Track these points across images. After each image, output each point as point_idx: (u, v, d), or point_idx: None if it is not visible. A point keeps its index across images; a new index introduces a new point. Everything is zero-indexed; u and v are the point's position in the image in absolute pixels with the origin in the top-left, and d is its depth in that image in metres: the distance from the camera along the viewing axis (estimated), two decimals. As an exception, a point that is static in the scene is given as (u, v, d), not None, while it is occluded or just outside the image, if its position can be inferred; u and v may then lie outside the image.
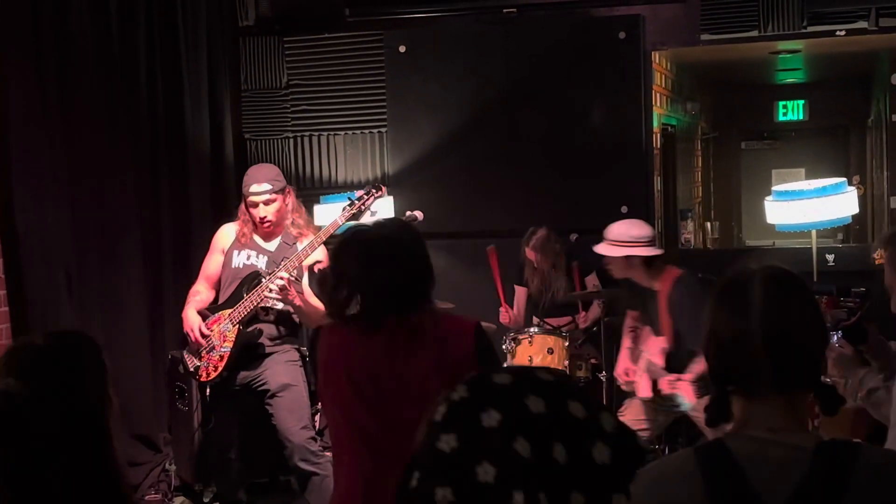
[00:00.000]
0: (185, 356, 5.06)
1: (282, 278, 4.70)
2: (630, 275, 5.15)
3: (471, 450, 1.10)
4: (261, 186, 4.98)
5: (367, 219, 4.98)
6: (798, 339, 1.73)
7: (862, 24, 6.75)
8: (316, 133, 7.56)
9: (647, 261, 5.04)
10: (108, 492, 1.87)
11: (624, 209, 6.90)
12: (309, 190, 7.45)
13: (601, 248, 5.15)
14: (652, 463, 1.78)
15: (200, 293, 5.14)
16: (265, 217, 4.98)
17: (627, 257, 5.05)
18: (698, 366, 4.89)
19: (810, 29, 6.84)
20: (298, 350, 5.11)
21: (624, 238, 5.06)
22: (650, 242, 5.07)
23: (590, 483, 1.11)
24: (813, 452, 1.67)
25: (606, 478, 1.12)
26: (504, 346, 5.92)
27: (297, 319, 5.05)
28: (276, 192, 5.01)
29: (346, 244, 2.86)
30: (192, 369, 5.01)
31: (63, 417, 1.84)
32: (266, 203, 4.98)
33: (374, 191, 5.02)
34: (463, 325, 2.92)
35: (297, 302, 4.76)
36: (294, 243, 5.04)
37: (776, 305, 1.72)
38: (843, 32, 6.82)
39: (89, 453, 1.86)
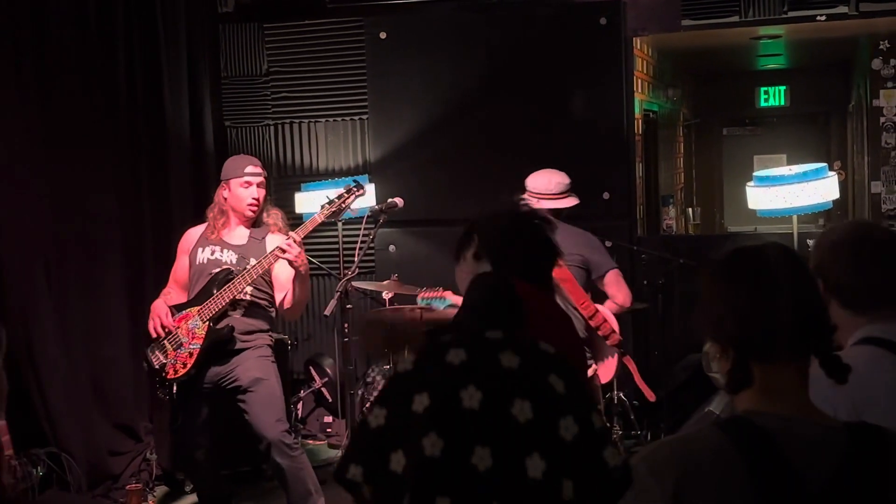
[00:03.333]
0: (150, 354, 4.99)
1: (291, 237, 4.66)
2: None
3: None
4: (256, 168, 5.00)
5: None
6: (817, 308, 1.82)
7: (842, 9, 6.76)
8: (297, 120, 7.53)
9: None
10: None
11: (606, 195, 6.91)
12: (290, 178, 7.43)
13: (559, 203, 5.27)
14: (663, 444, 1.79)
15: (170, 294, 5.11)
16: (257, 198, 4.97)
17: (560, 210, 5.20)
18: None
19: (791, 14, 6.84)
20: (270, 343, 5.06)
21: (566, 185, 5.28)
22: (571, 192, 5.27)
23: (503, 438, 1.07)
24: (846, 433, 1.73)
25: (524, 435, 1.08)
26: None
27: (276, 302, 5.00)
28: (264, 179, 5.05)
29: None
30: (157, 367, 4.94)
31: None
32: (258, 186, 4.98)
33: (354, 189, 4.98)
34: None
35: (303, 269, 4.72)
36: (263, 238, 5.00)
37: (797, 275, 1.81)
38: (823, 17, 6.83)
39: None
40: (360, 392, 6.61)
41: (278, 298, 4.98)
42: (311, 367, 7.22)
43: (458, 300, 5.21)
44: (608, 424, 1.15)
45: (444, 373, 1.10)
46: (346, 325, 5.38)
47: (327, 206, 4.92)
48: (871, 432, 1.74)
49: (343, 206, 4.94)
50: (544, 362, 1.13)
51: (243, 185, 4.97)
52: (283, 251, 4.64)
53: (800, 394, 1.78)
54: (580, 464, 1.05)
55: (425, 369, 1.13)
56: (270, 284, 5.01)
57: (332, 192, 5.06)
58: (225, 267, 4.91)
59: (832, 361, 1.79)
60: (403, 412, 1.08)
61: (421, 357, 1.16)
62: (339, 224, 6.66)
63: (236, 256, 4.94)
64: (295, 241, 4.66)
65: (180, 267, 5.15)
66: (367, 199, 6.54)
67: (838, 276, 2.37)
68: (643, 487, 1.72)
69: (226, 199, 5.02)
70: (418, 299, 5.61)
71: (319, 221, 4.85)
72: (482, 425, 1.03)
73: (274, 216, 5.10)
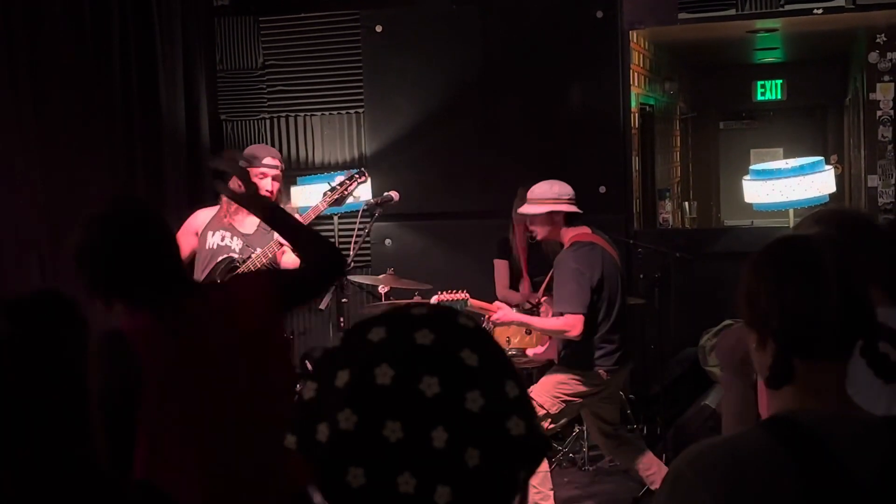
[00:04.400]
0: None
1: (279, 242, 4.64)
2: (552, 235, 5.20)
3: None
4: (275, 161, 5.01)
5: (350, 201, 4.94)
6: (864, 303, 1.75)
7: (839, 3, 6.75)
8: (293, 114, 7.52)
9: (568, 221, 5.12)
10: (83, 465, 1.84)
11: (602, 189, 6.91)
12: (286, 171, 7.41)
13: (525, 209, 5.21)
14: (707, 446, 1.73)
15: None
16: (271, 190, 4.96)
17: (550, 214, 5.11)
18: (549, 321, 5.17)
19: (788, 7, 6.84)
20: None
21: (547, 196, 5.13)
22: (571, 200, 5.14)
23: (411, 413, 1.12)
24: (887, 428, 1.69)
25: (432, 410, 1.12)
26: (483, 326, 5.89)
27: None
28: (281, 172, 5.05)
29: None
30: None
31: (36, 379, 1.81)
32: (274, 178, 4.97)
33: (356, 176, 4.97)
34: None
35: None
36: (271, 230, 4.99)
37: (846, 270, 1.75)
38: (820, 11, 6.82)
39: (63, 422, 1.83)
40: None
41: None
42: (306, 361, 7.20)
43: (478, 304, 5.28)
44: (527, 395, 1.15)
45: (364, 350, 1.18)
46: (341, 319, 5.38)
47: (329, 193, 4.90)
48: None
49: (346, 193, 4.91)
50: (459, 337, 1.18)
51: (259, 175, 4.96)
52: (283, 243, 4.62)
53: (840, 391, 1.73)
54: (485, 434, 1.11)
55: (349, 346, 1.20)
56: None
57: (335, 181, 5.02)
58: (227, 256, 4.90)
59: (880, 360, 1.74)
60: (328, 387, 1.15)
61: (347, 334, 1.23)
62: (336, 218, 6.66)
63: (242, 244, 4.93)
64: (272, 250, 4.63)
65: (184, 243, 5.12)
66: (363, 192, 6.54)
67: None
68: (691, 493, 1.66)
69: (241, 186, 5.00)
70: (433, 301, 5.43)
71: (322, 210, 4.83)
72: (393, 401, 1.08)
73: (288, 209, 5.09)
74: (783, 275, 1.76)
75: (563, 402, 5.08)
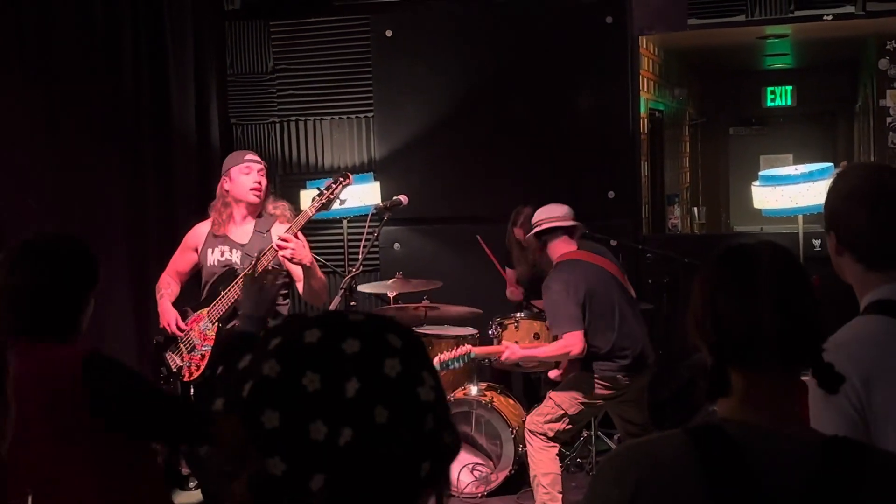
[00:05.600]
0: (168, 357, 5.00)
1: (282, 238, 4.62)
2: (543, 259, 5.33)
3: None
4: (255, 157, 5.02)
5: (336, 207, 4.94)
6: (805, 314, 1.70)
7: (849, 9, 6.75)
8: (302, 118, 7.53)
9: (547, 238, 5.26)
10: None
11: (611, 194, 6.91)
12: (295, 175, 7.44)
13: (528, 240, 5.42)
14: (631, 446, 1.76)
15: (170, 285, 5.11)
16: (259, 182, 4.95)
17: (538, 235, 5.26)
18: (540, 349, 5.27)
19: (798, 13, 6.83)
20: None
21: (539, 218, 5.30)
22: (541, 223, 5.27)
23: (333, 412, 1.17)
24: (822, 449, 1.63)
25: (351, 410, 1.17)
26: (490, 332, 5.92)
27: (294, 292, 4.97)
28: (264, 168, 5.04)
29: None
30: (174, 370, 4.96)
31: None
32: (259, 172, 4.97)
33: (341, 179, 4.93)
34: None
35: (306, 261, 4.68)
36: (268, 230, 4.99)
37: (788, 279, 1.71)
38: (830, 17, 6.82)
39: None
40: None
41: (299, 288, 4.95)
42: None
43: (484, 350, 5.40)
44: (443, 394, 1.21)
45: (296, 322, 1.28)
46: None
47: (317, 198, 4.88)
48: (850, 451, 1.64)
49: (332, 196, 4.87)
50: (386, 325, 1.26)
51: (244, 170, 4.95)
52: (280, 248, 4.60)
53: (783, 405, 1.68)
54: (397, 397, 1.18)
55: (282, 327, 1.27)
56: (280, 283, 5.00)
57: (323, 186, 5.00)
58: (229, 267, 4.90)
59: (824, 371, 1.70)
60: (259, 352, 1.24)
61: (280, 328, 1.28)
62: (345, 222, 6.67)
63: (240, 254, 4.93)
64: (287, 240, 4.59)
65: (184, 259, 5.15)
66: (372, 196, 6.55)
67: (852, 230, 2.24)
68: (604, 487, 1.68)
69: (227, 190, 5.00)
70: (436, 363, 5.35)
71: (311, 215, 4.79)
72: (317, 355, 1.19)
73: (281, 207, 5.10)
74: (717, 282, 1.73)
75: (582, 403, 5.12)
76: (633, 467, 1.67)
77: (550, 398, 5.18)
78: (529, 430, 5.18)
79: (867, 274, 2.23)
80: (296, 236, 4.60)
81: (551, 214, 5.28)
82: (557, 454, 5.19)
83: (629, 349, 5.12)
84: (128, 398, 2.67)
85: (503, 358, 5.28)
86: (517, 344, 5.43)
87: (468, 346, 5.37)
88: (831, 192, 2.33)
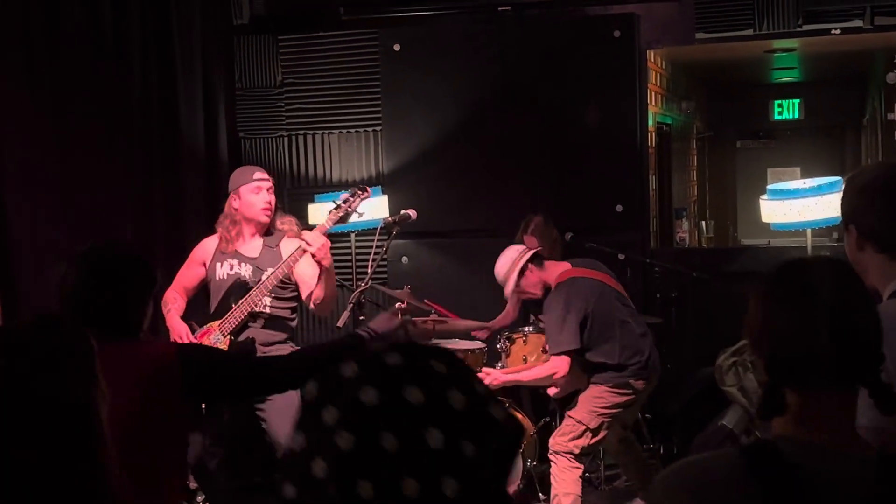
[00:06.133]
0: None
1: (306, 241, 4.64)
2: (541, 287, 5.25)
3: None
4: (264, 174, 5.02)
5: (354, 220, 4.96)
6: (863, 333, 1.67)
7: (857, 23, 6.75)
8: (310, 132, 7.55)
9: (538, 263, 5.21)
10: (93, 490, 1.82)
11: (619, 208, 6.90)
12: (303, 189, 7.45)
13: (506, 292, 5.35)
14: (683, 465, 1.71)
15: (176, 300, 5.11)
16: (269, 202, 4.96)
17: (518, 278, 5.18)
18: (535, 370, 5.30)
19: (805, 27, 6.83)
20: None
21: (502, 272, 5.24)
22: (524, 252, 5.23)
23: (422, 468, 1.15)
24: (878, 466, 1.61)
25: (440, 462, 1.15)
26: (498, 346, 5.91)
27: (308, 295, 4.96)
28: (273, 185, 5.06)
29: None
30: None
31: (42, 405, 1.79)
32: (268, 190, 4.99)
33: (359, 192, 4.95)
34: None
35: (326, 263, 4.70)
36: (277, 245, 5.00)
37: (846, 297, 1.68)
38: (837, 31, 6.82)
39: (72, 447, 1.81)
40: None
41: (304, 295, 4.94)
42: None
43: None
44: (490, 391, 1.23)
45: (343, 385, 1.27)
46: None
47: (334, 211, 4.90)
48: None
49: (349, 209, 4.91)
50: (425, 352, 1.26)
51: (254, 190, 4.96)
52: (309, 245, 4.62)
53: (839, 424, 1.65)
54: (474, 425, 1.18)
55: (325, 390, 1.28)
56: (290, 296, 5.01)
57: (339, 199, 5.03)
58: (241, 280, 4.91)
59: (882, 392, 1.66)
60: (316, 426, 1.24)
61: (319, 387, 1.29)
62: (353, 235, 6.67)
63: (251, 268, 4.94)
64: (313, 241, 4.61)
65: (191, 274, 5.16)
66: (380, 210, 6.56)
67: (871, 220, 2.28)
68: None
69: (237, 209, 5.01)
70: None
71: (328, 227, 4.83)
72: (384, 415, 1.17)
73: (288, 222, 5.10)
74: (775, 301, 1.71)
75: (601, 415, 5.14)
76: (684, 487, 1.65)
77: (570, 417, 5.18)
78: (554, 451, 5.18)
79: (890, 263, 2.25)
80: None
81: (514, 255, 5.25)
82: (581, 476, 5.19)
83: (637, 356, 5.17)
84: (217, 365, 2.97)
85: (486, 382, 5.25)
86: (499, 369, 5.45)
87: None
88: (848, 189, 2.37)
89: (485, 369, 5.36)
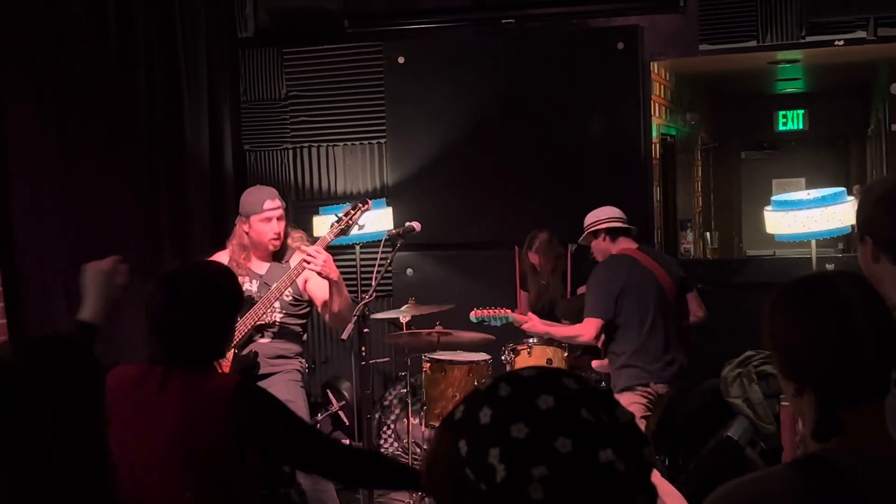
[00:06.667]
0: None
1: (308, 253, 4.63)
2: (602, 254, 5.52)
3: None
4: (275, 202, 4.97)
5: (355, 233, 4.96)
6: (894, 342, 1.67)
7: (861, 34, 6.76)
8: (315, 144, 7.57)
9: (613, 237, 5.49)
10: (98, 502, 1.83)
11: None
12: (308, 201, 7.46)
13: (584, 239, 5.62)
14: (737, 485, 1.68)
15: None
16: (279, 233, 4.95)
17: (590, 235, 5.52)
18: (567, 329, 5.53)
19: (809, 39, 6.84)
20: (300, 368, 5.05)
21: (587, 222, 5.57)
22: (611, 220, 5.51)
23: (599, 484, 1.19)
24: None
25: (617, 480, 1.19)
26: (503, 357, 5.91)
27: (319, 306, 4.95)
28: (283, 210, 5.04)
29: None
30: None
31: (49, 419, 1.80)
32: (279, 219, 4.97)
33: (360, 205, 4.95)
34: None
35: (333, 276, 4.69)
36: (286, 261, 5.00)
37: (873, 310, 1.67)
38: (841, 42, 6.83)
39: (80, 461, 1.82)
40: (377, 415, 6.61)
41: (320, 309, 4.95)
42: (328, 391, 7.22)
43: (517, 317, 5.57)
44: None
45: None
46: (363, 349, 5.38)
47: (336, 224, 4.90)
48: None
49: (350, 222, 4.90)
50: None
51: (263, 220, 4.95)
52: (308, 262, 4.61)
53: (882, 433, 1.66)
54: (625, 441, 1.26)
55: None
56: (302, 312, 5.01)
57: (341, 212, 5.02)
58: (247, 295, 4.90)
59: None
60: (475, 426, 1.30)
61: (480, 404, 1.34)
62: (357, 248, 6.68)
63: (258, 283, 4.94)
64: (315, 254, 4.60)
65: None
66: (384, 222, 6.56)
67: (887, 231, 2.27)
68: None
69: (247, 233, 5.01)
70: (472, 317, 5.83)
71: (330, 240, 4.83)
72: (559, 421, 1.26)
73: (298, 238, 5.10)
74: (812, 316, 1.68)
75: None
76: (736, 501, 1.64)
77: None
78: None
79: None
80: None
81: (603, 215, 5.53)
82: None
83: (669, 359, 5.22)
84: (273, 425, 2.81)
85: (524, 327, 5.56)
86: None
87: (507, 310, 5.72)
88: (863, 201, 2.37)
89: (529, 314, 5.64)
